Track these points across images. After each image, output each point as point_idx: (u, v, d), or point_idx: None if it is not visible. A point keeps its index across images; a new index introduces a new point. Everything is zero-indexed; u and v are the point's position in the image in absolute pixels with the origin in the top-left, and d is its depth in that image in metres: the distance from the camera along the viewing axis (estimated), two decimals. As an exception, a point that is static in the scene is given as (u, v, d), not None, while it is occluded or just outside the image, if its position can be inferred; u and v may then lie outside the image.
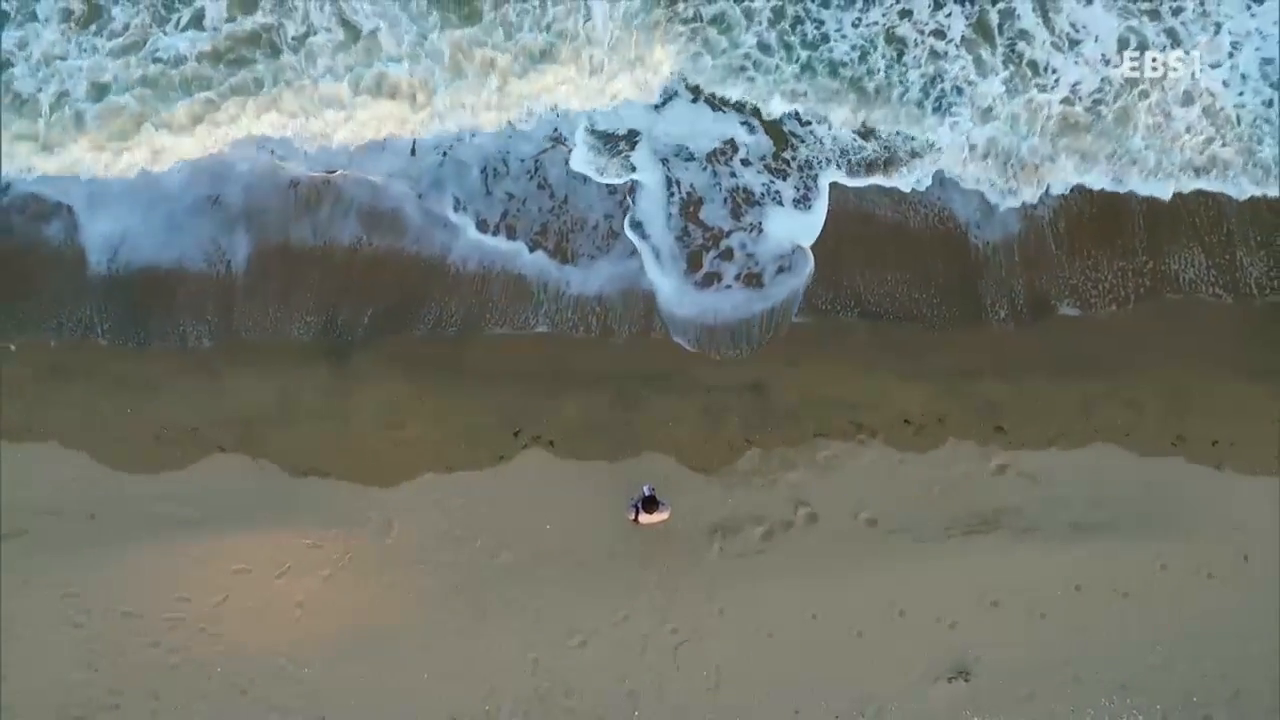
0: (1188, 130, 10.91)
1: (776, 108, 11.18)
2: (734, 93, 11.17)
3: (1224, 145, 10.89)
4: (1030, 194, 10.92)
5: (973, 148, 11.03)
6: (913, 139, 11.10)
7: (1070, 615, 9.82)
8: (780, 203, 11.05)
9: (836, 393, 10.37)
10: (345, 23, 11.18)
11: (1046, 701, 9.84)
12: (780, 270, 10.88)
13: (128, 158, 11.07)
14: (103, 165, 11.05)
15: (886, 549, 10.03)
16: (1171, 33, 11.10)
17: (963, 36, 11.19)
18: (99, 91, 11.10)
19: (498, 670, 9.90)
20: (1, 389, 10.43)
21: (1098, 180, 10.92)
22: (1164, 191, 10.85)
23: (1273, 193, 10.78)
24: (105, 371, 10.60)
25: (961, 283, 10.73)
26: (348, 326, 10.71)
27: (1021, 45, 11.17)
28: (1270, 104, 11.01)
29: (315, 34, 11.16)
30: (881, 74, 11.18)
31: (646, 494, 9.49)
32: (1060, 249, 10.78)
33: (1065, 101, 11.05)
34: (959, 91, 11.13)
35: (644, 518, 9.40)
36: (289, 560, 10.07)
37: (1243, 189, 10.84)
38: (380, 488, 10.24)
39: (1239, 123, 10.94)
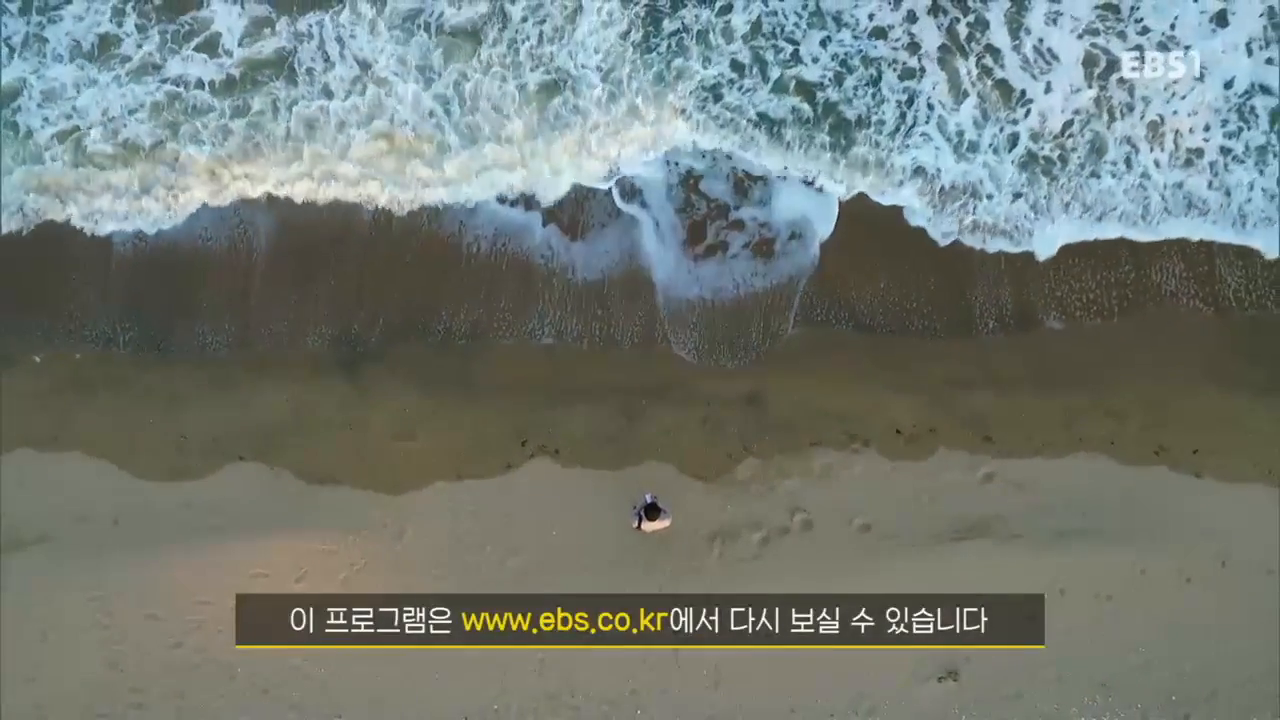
0: (1156, 166, 11.07)
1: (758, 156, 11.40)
2: (713, 140, 11.41)
3: (1199, 185, 11.05)
4: (1009, 246, 11.16)
5: (945, 190, 11.22)
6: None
7: (1055, 618, 10.15)
8: (786, 179, 11.36)
9: (831, 404, 10.70)
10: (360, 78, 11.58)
11: (1032, 700, 10.21)
12: (792, 237, 11.16)
13: (145, 203, 11.45)
14: (117, 215, 11.43)
15: (879, 554, 10.39)
16: (1138, 51, 11.26)
17: (938, 44, 11.35)
18: (111, 134, 11.49)
19: (507, 670, 10.30)
20: (29, 400, 10.84)
21: (1079, 232, 11.13)
22: (1143, 236, 11.08)
23: (1251, 243, 10.95)
24: (127, 383, 10.97)
25: (951, 296, 11.04)
26: (361, 337, 11.06)
27: (989, 61, 11.30)
28: (1235, 135, 11.11)
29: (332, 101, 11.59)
30: (858, 101, 11.35)
31: (648, 502, 9.89)
32: (1045, 261, 11.12)
33: (1034, 137, 11.19)
34: (930, 108, 11.28)
35: (646, 525, 9.78)
36: (306, 565, 10.47)
37: (1222, 234, 11.02)
38: (393, 495, 10.62)
39: (1205, 158, 11.09)
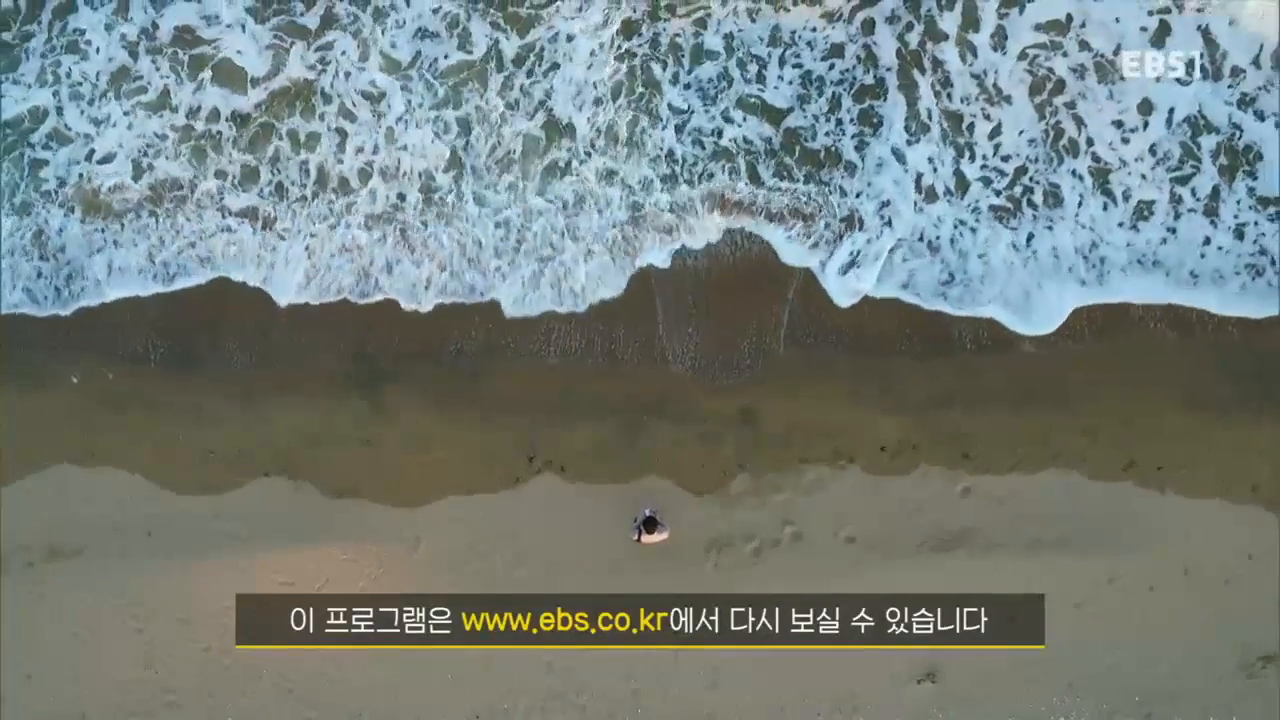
0: (1105, 213, 11.42)
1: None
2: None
3: (1153, 240, 11.35)
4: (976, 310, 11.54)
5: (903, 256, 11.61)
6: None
7: (1027, 623, 10.85)
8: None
9: (819, 422, 11.33)
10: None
11: (1005, 700, 10.92)
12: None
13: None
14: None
15: (864, 563, 11.07)
16: (1084, 93, 11.50)
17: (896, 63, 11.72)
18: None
19: (516, 671, 11.01)
20: (68, 418, 11.51)
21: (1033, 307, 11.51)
22: (1098, 299, 11.46)
23: (1202, 304, 11.25)
24: (158, 401, 11.60)
25: (932, 320, 11.64)
26: (378, 359, 11.71)
27: (938, 86, 11.65)
28: (1185, 181, 11.31)
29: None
30: (820, 132, 11.79)
31: (647, 515, 10.61)
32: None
33: (984, 181, 11.54)
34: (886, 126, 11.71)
35: (645, 538, 10.50)
36: (327, 573, 11.17)
37: (1173, 295, 11.31)
38: (408, 508, 11.30)
39: (1157, 214, 11.36)
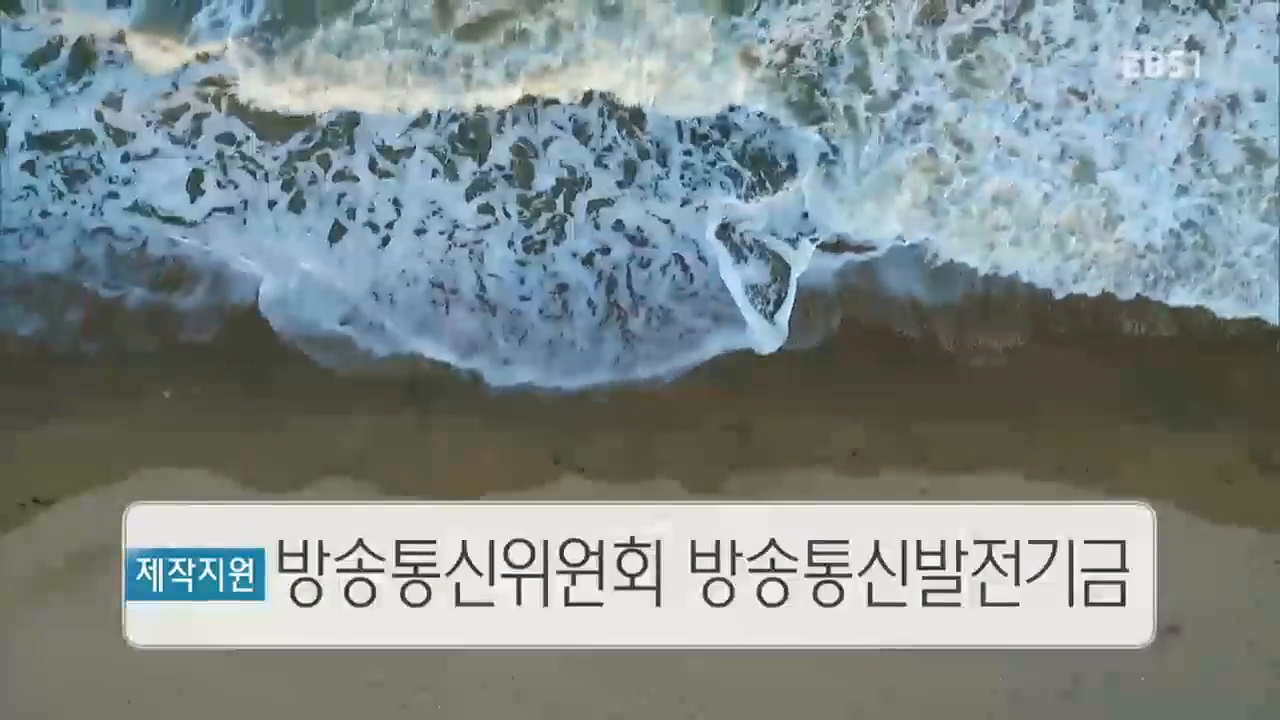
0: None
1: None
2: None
3: None
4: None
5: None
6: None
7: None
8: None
9: (801, 430, 13.23)
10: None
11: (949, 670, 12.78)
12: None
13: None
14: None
15: (837, 551, 13.04)
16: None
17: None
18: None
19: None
20: (160, 429, 13.42)
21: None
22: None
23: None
24: (236, 410, 13.49)
25: (891, 335, 13.62)
26: (426, 373, 13.67)
27: None
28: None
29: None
30: None
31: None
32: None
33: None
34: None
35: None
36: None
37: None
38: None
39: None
